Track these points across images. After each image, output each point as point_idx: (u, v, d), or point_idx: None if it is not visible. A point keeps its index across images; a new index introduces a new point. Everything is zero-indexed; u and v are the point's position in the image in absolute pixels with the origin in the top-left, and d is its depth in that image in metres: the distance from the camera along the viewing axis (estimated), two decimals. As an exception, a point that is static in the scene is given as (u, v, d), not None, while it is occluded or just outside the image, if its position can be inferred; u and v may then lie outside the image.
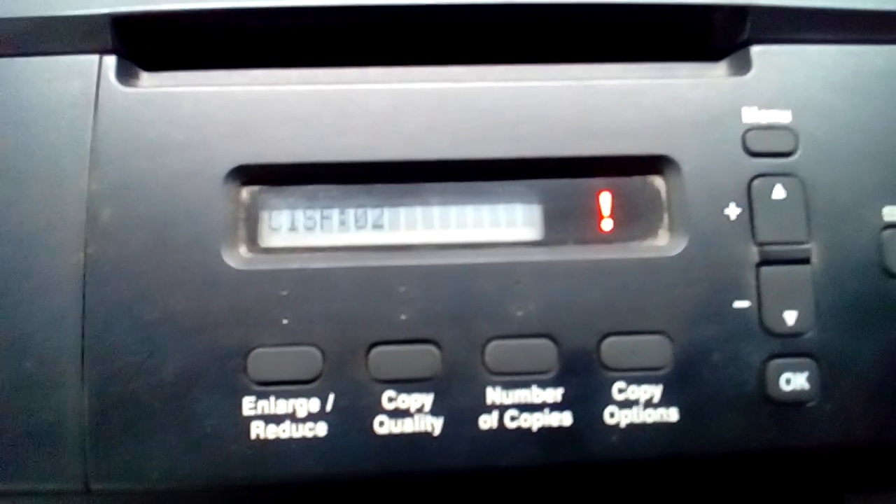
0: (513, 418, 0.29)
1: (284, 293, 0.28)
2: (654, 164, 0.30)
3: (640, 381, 0.29)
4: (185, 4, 0.31)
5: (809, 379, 0.29)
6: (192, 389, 0.28)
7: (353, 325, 0.28)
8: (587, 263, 0.29)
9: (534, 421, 0.29)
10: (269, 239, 0.30)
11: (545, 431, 0.29)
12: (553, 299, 0.29)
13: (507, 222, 0.31)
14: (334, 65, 0.31)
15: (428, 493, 0.31)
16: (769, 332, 0.29)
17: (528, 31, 0.33)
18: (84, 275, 0.28)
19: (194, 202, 0.29)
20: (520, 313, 0.29)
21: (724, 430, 0.29)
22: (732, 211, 0.30)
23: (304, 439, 0.28)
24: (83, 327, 0.28)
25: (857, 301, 0.30)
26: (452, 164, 0.30)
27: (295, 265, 0.29)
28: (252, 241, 0.30)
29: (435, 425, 0.28)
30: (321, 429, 0.28)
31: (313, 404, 0.28)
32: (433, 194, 0.30)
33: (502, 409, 0.29)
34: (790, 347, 0.29)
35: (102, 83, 0.30)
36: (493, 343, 0.29)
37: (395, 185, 0.30)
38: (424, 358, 0.28)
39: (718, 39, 0.33)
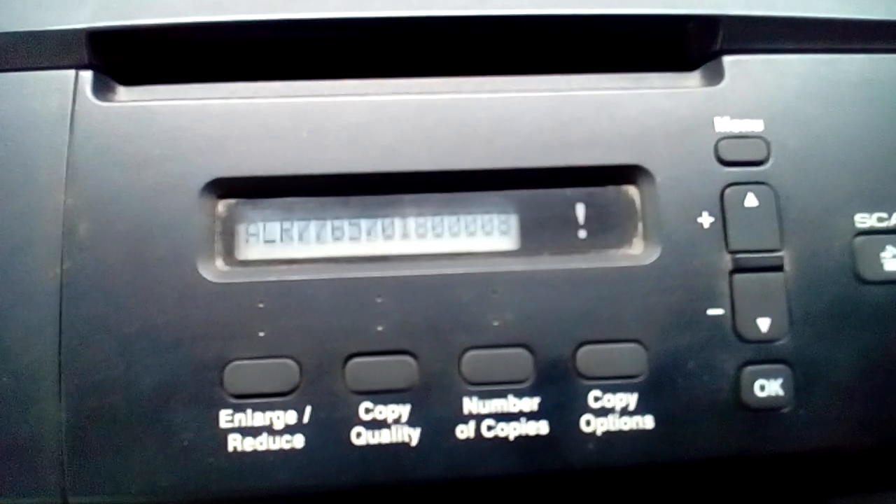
0: (490, 428, 0.29)
1: (261, 306, 0.28)
2: (628, 173, 0.31)
3: (615, 390, 0.29)
4: (160, 19, 0.31)
5: (783, 385, 0.30)
6: (170, 402, 0.28)
7: (329, 337, 0.29)
8: (563, 273, 0.30)
9: (511, 430, 0.29)
10: (246, 252, 0.30)
11: (522, 440, 0.29)
12: (529, 309, 0.29)
13: (483, 232, 0.31)
14: (310, 77, 0.32)
15: (406, 502, 0.31)
16: (743, 339, 0.30)
17: (503, 42, 0.34)
18: (61, 289, 0.28)
19: (171, 216, 0.29)
20: (496, 323, 0.29)
21: (699, 437, 0.29)
22: (706, 219, 0.30)
23: (281, 451, 0.28)
24: (60, 341, 0.28)
25: (830, 307, 0.30)
26: (429, 176, 0.30)
27: (271, 277, 0.29)
28: (229, 253, 0.30)
29: (412, 436, 0.29)
30: (298, 441, 0.28)
31: (290, 416, 0.28)
32: (410, 205, 0.31)
33: (479, 418, 0.29)
34: (764, 354, 0.30)
35: (79, 98, 0.30)
36: (470, 353, 0.29)
37: (371, 196, 0.31)
38: (401, 369, 0.29)
39: (692, 49, 0.33)
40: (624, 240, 0.31)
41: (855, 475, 0.33)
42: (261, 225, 0.30)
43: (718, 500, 0.35)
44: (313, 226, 0.30)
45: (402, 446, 0.28)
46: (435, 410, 0.29)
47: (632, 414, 0.29)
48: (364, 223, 0.30)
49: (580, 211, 0.31)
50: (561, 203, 0.31)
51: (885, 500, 0.35)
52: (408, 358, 0.29)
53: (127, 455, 0.28)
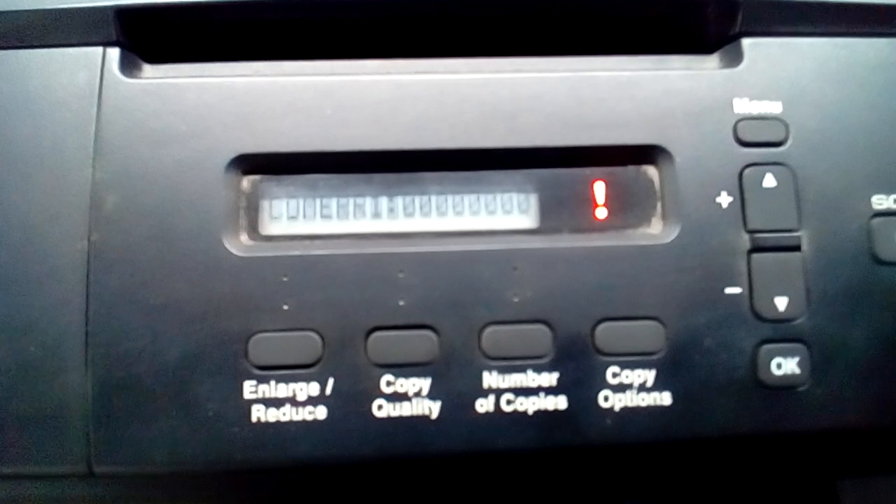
0: (509, 402, 0.29)
1: (285, 279, 0.29)
2: (648, 153, 0.31)
3: (633, 366, 0.29)
4: (187, -3, 0.31)
5: (800, 364, 0.30)
6: (194, 374, 0.28)
7: (352, 311, 0.29)
8: (582, 251, 0.30)
9: (529, 404, 0.29)
10: (270, 227, 0.30)
11: (541, 415, 0.29)
12: (549, 286, 0.30)
13: (503, 211, 0.31)
14: (334, 57, 0.32)
15: (426, 475, 0.31)
16: (760, 318, 0.30)
17: (524, 23, 0.34)
18: (88, 261, 0.29)
19: (196, 190, 0.29)
20: (516, 299, 0.29)
21: (716, 414, 0.30)
22: (724, 199, 0.30)
23: (304, 422, 0.29)
24: (87, 313, 0.29)
25: (846, 287, 0.30)
26: (450, 154, 0.31)
27: (295, 252, 0.29)
28: (253, 228, 0.30)
29: (433, 409, 0.29)
30: (321, 412, 0.29)
31: (313, 388, 0.29)
32: (431, 183, 0.31)
33: (499, 392, 0.29)
34: (781, 333, 0.30)
35: (106, 74, 0.31)
36: (490, 328, 0.29)
37: (393, 174, 0.31)
38: (422, 343, 0.29)
39: (711, 32, 0.34)
40: (643, 219, 0.31)
41: (866, 456, 0.33)
42: (285, 201, 0.31)
43: (727, 480, 0.36)
44: (336, 202, 0.31)
45: (423, 419, 0.29)
46: (455, 384, 0.29)
47: (649, 390, 0.29)
48: (386, 200, 0.31)
49: (599, 190, 0.31)
50: (580, 182, 0.31)
51: (893, 481, 0.35)
52: (429, 332, 0.29)
53: (152, 425, 0.28)
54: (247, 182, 0.30)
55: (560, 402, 0.29)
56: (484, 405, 0.29)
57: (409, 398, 0.29)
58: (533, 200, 0.31)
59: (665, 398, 0.29)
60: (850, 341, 0.30)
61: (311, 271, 0.29)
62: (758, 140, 0.31)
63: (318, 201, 0.31)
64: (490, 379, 0.29)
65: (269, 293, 0.29)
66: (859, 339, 0.30)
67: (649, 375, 0.29)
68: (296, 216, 0.31)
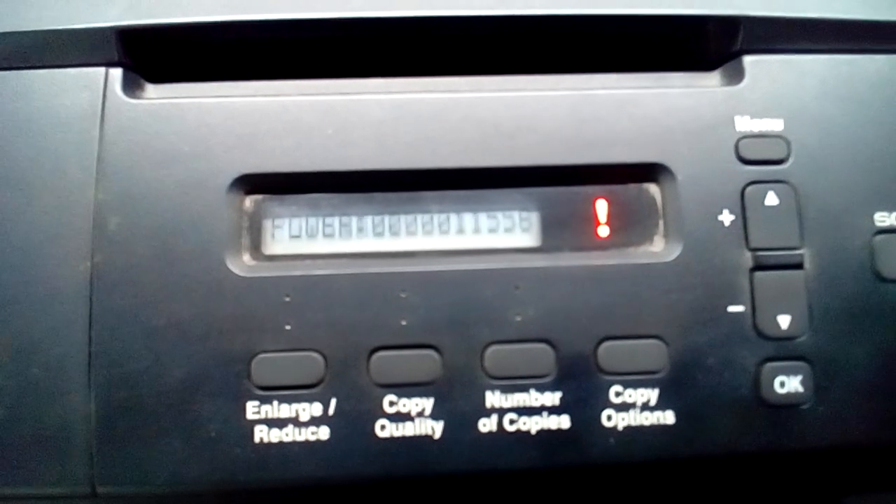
0: (512, 421, 0.29)
1: (287, 299, 0.29)
2: (650, 171, 0.31)
3: (636, 385, 0.29)
4: (189, 18, 0.31)
5: (803, 382, 0.30)
6: (197, 394, 0.28)
7: (354, 331, 0.29)
8: (584, 269, 0.30)
9: (532, 424, 0.29)
10: (272, 246, 0.30)
11: (544, 434, 0.29)
12: (551, 305, 0.30)
13: (505, 229, 0.31)
14: (336, 76, 0.32)
15: (429, 495, 0.31)
16: (763, 336, 0.30)
17: (525, 42, 0.34)
18: (91, 282, 0.29)
19: (199, 211, 0.30)
20: (518, 318, 0.29)
21: (719, 433, 0.30)
22: (726, 217, 0.30)
23: (306, 443, 0.29)
24: (90, 334, 0.29)
25: (849, 305, 0.30)
26: (452, 173, 0.31)
27: (297, 272, 0.29)
28: (255, 248, 0.30)
29: (435, 429, 0.29)
30: (324, 432, 0.29)
31: (316, 408, 0.29)
32: (433, 202, 0.31)
33: (501, 412, 0.29)
34: (784, 351, 0.30)
35: (109, 95, 0.31)
36: (493, 348, 0.29)
37: (395, 193, 0.31)
38: (425, 363, 0.29)
39: (712, 50, 0.34)
40: (645, 237, 0.31)
41: (870, 474, 0.33)
42: (287, 220, 0.31)
43: (731, 498, 0.36)
44: (338, 221, 0.31)
45: (426, 439, 0.29)
46: (458, 404, 0.29)
47: (653, 409, 0.29)
48: (388, 219, 0.31)
49: (601, 208, 0.31)
50: (582, 200, 0.31)
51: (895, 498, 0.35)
52: (431, 352, 0.29)
53: (155, 446, 0.28)
54: (249, 202, 0.30)
55: (563, 422, 0.29)
56: (487, 425, 0.29)
57: (412, 418, 0.29)
58: (534, 219, 0.31)
59: (668, 417, 0.29)
60: (853, 359, 0.30)
61: (314, 291, 0.29)
62: (760, 158, 0.31)
63: (320, 221, 0.31)
64: (493, 398, 0.29)
65: (272, 313, 0.29)
66: (862, 356, 0.30)
67: (652, 394, 0.29)
68: (298, 235, 0.31)
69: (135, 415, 0.28)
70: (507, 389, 0.29)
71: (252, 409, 0.29)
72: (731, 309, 0.30)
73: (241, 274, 0.29)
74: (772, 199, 0.31)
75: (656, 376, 0.30)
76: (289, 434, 0.29)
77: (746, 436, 0.30)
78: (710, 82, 0.33)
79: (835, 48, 0.33)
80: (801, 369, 0.30)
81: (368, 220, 0.31)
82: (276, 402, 0.29)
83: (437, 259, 0.30)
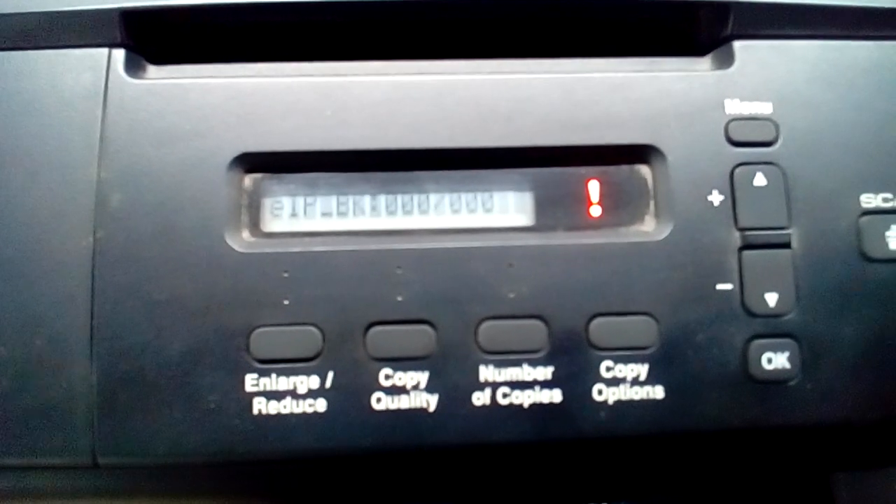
0: (505, 395, 0.30)
1: (286, 275, 0.30)
2: (641, 153, 0.32)
3: (626, 360, 0.30)
4: (191, 0, 0.32)
5: (790, 359, 0.30)
6: (197, 367, 0.29)
7: (351, 306, 0.30)
8: (577, 248, 0.31)
9: (525, 398, 0.30)
10: (271, 224, 0.31)
11: (536, 408, 0.30)
12: (544, 282, 0.30)
13: (500, 209, 0.32)
14: (335, 58, 0.33)
15: (423, 467, 0.32)
16: (751, 314, 0.30)
17: (521, 26, 0.35)
18: (93, 258, 0.29)
19: (199, 189, 0.30)
20: (512, 295, 0.30)
21: (708, 408, 0.30)
22: (716, 198, 0.31)
23: (304, 415, 0.29)
24: (92, 308, 0.29)
25: (836, 284, 0.31)
26: (448, 153, 0.31)
27: (296, 248, 0.30)
28: (255, 225, 0.31)
29: (430, 402, 0.30)
30: (321, 405, 0.29)
31: (313, 381, 0.29)
32: (429, 182, 0.32)
33: (495, 386, 0.30)
34: (771, 328, 0.30)
35: (111, 75, 0.31)
36: (486, 323, 0.30)
37: (392, 172, 0.32)
38: (420, 337, 0.30)
39: (703, 35, 0.34)
40: (636, 217, 0.32)
41: (858, 450, 0.34)
42: (286, 198, 0.31)
43: (721, 476, 0.36)
44: (336, 200, 0.31)
45: (421, 412, 0.29)
46: (452, 377, 0.30)
47: (642, 384, 0.30)
48: (385, 198, 0.31)
49: (594, 189, 0.32)
50: (575, 181, 0.32)
51: (886, 475, 0.36)
52: (426, 327, 0.30)
53: (155, 417, 0.29)
54: (249, 180, 0.31)
55: (555, 396, 0.30)
56: (480, 398, 0.30)
57: (407, 391, 0.29)
58: (528, 199, 0.32)
59: (658, 392, 0.30)
60: (839, 336, 0.31)
61: (312, 267, 0.30)
62: (748, 140, 0.32)
63: (318, 199, 0.31)
64: (486, 373, 0.30)
65: (270, 288, 0.29)
66: (848, 334, 0.31)
67: (642, 369, 0.30)
68: (296, 214, 0.31)
69: (136, 387, 0.29)
70: (500, 364, 0.30)
71: (251, 382, 0.29)
72: (720, 287, 0.30)
73: (241, 250, 0.30)
74: (760, 180, 0.31)
75: (646, 352, 0.30)
76: (287, 406, 0.29)
77: (734, 411, 0.30)
78: (701, 66, 0.34)
79: (824, 34, 0.34)
80: (787, 346, 0.30)
81: (366, 199, 0.31)
82: (274, 375, 0.29)
83: (432, 237, 0.31)
